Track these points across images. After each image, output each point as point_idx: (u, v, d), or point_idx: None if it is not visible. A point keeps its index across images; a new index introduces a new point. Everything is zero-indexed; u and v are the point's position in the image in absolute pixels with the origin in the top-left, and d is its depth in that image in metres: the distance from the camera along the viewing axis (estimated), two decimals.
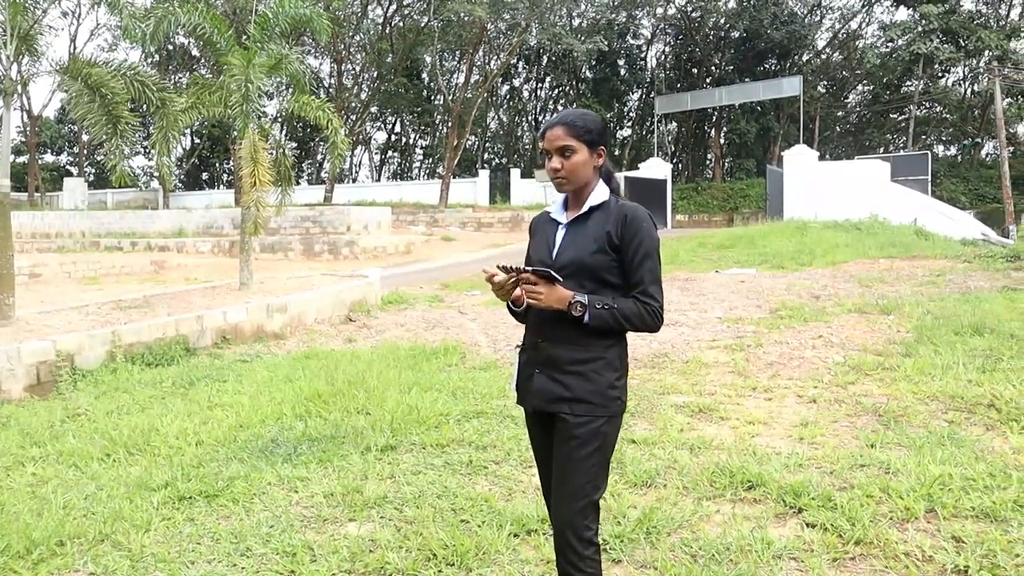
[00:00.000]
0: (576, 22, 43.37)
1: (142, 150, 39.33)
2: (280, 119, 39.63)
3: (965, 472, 4.25)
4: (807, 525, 3.73)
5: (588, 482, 2.48)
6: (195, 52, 40.45)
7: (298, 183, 25.66)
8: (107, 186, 41.11)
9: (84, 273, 19.73)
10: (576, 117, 2.60)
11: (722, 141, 48.34)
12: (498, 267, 2.54)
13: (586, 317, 2.45)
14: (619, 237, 2.50)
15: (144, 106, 13.04)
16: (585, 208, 2.60)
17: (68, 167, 50.88)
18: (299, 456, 5.02)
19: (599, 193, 2.60)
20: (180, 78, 38.60)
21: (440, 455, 4.97)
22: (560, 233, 2.63)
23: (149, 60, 36.83)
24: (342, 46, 39.32)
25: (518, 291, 2.57)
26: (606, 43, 37.84)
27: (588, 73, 47.84)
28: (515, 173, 38.40)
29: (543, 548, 3.59)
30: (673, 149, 51.53)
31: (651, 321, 2.50)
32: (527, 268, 2.51)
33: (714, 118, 47.45)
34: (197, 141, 47.07)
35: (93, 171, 49.27)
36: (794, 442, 5.04)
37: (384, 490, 4.38)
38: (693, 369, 7.29)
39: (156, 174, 40.31)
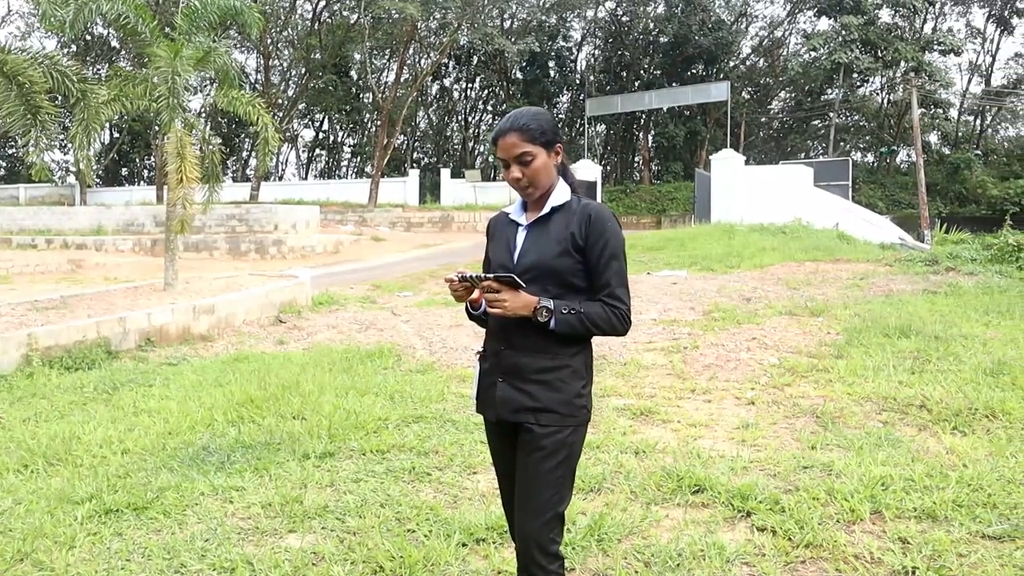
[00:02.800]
0: (507, 23, 43.43)
1: (57, 143, 37.80)
2: (204, 114, 38.60)
3: (904, 473, 4.32)
4: (757, 529, 3.73)
5: (554, 494, 2.39)
6: (115, 43, 39.10)
7: (223, 180, 25.02)
8: (19, 180, 39.44)
9: None
10: (528, 119, 2.47)
11: (650, 144, 49.05)
12: (459, 276, 2.43)
13: (552, 323, 2.36)
14: (583, 238, 2.41)
15: (60, 97, 12.48)
16: (547, 209, 2.50)
17: None
18: (233, 464, 4.81)
19: (560, 193, 2.51)
20: (99, 69, 37.21)
21: (381, 462, 4.83)
22: (521, 235, 2.53)
23: (66, 50, 35.38)
24: (269, 41, 38.51)
25: (476, 293, 2.46)
26: (537, 44, 37.96)
27: (519, 74, 48.01)
28: (445, 173, 38.21)
29: (493, 557, 3.50)
30: (602, 151, 52.05)
31: (619, 325, 2.42)
32: (488, 275, 2.39)
33: (643, 121, 48.13)
34: (116, 136, 45.50)
35: (3, 165, 47.19)
36: (737, 444, 5.06)
37: (325, 499, 4.22)
38: (631, 371, 7.29)
39: (72, 169, 38.86)
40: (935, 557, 3.38)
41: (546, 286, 2.42)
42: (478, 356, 2.63)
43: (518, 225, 2.56)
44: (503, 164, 2.49)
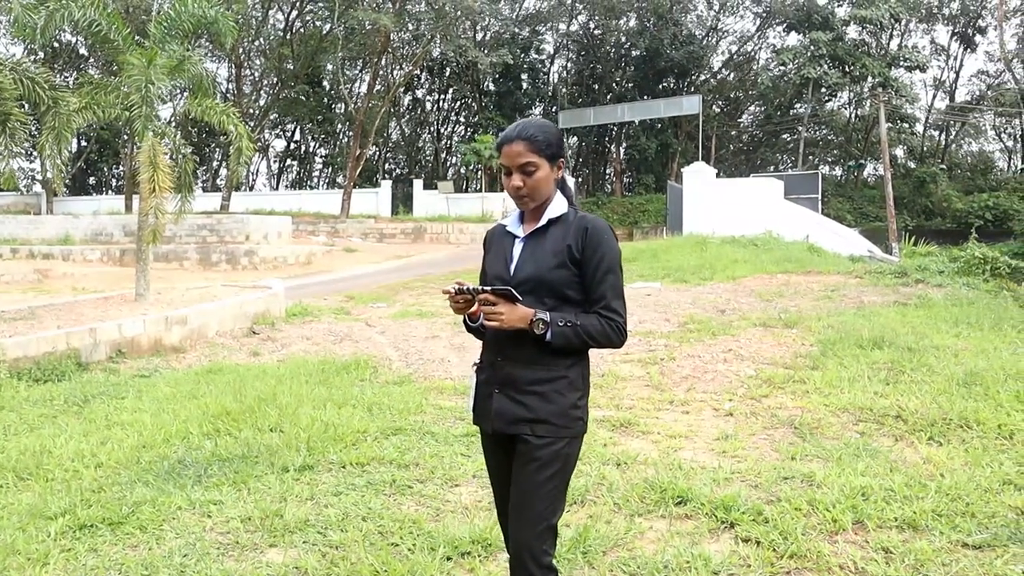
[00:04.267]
0: (480, 35, 43.53)
1: (23, 151, 37.16)
2: (175, 123, 38.20)
3: (884, 483, 4.35)
4: (741, 540, 3.74)
5: (548, 506, 2.38)
6: (83, 51, 38.64)
7: (194, 190, 24.72)
8: None
9: None
10: (536, 130, 2.48)
11: (622, 156, 49.32)
12: (456, 289, 2.41)
13: (548, 335, 2.35)
14: (580, 251, 2.42)
15: (27, 105, 12.30)
16: (543, 221, 2.50)
17: None
18: (210, 478, 4.74)
19: (557, 205, 2.52)
20: (67, 77, 36.72)
21: (361, 474, 4.78)
22: (518, 247, 2.53)
23: (32, 57, 34.88)
24: (241, 50, 38.26)
25: (475, 305, 2.45)
26: (510, 56, 38.07)
27: (491, 86, 48.02)
28: (417, 184, 38.12)
29: (478, 571, 3.48)
30: (574, 163, 52.22)
31: (615, 338, 2.42)
32: (486, 288, 2.39)
33: (615, 133, 48.40)
34: (84, 144, 44.87)
35: None
36: (717, 456, 5.07)
37: (305, 513, 4.16)
38: (609, 383, 7.29)
39: (39, 177, 38.26)
40: (918, 567, 3.40)
41: (542, 298, 2.42)
42: (474, 368, 2.61)
43: (515, 237, 2.57)
44: (505, 171, 2.49)
